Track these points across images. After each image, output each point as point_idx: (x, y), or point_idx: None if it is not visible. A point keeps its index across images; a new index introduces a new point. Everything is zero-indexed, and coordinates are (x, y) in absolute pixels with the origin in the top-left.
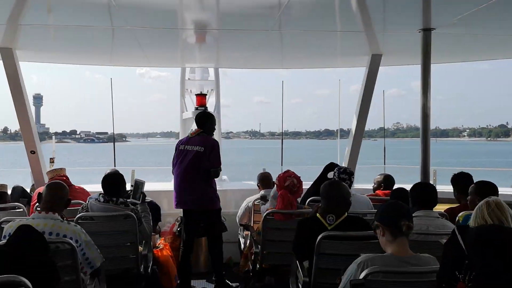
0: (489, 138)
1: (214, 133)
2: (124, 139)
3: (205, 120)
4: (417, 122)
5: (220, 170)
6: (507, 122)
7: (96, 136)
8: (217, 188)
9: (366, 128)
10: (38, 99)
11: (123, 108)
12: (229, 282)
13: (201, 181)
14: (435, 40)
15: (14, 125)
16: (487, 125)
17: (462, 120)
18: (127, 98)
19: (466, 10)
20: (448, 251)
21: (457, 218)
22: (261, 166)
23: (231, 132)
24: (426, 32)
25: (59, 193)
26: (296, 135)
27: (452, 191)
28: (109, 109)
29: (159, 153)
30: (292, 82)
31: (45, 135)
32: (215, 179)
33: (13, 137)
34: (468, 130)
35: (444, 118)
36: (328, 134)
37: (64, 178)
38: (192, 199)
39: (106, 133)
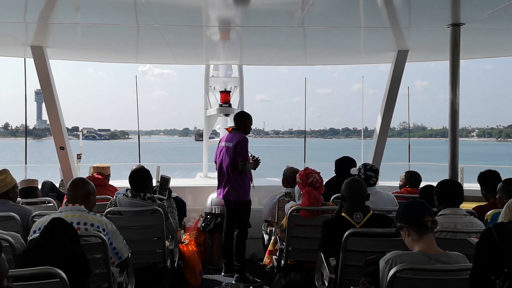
0: (499, 139)
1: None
2: (127, 136)
3: (241, 118)
4: (424, 121)
5: (247, 164)
6: None
7: (98, 133)
8: None
9: (371, 127)
10: (39, 94)
11: (126, 105)
12: (250, 277)
13: (232, 174)
14: (464, 36)
15: (15, 122)
16: (497, 125)
17: (466, 120)
18: (128, 95)
19: (497, 4)
20: (482, 252)
21: (485, 217)
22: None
23: (215, 130)
24: (455, 27)
25: (78, 188)
26: (301, 134)
27: (479, 189)
28: (111, 106)
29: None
30: (293, 81)
31: (46, 131)
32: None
33: (14, 133)
34: (477, 130)
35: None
36: (333, 133)
37: (100, 177)
38: (225, 190)
39: (109, 130)
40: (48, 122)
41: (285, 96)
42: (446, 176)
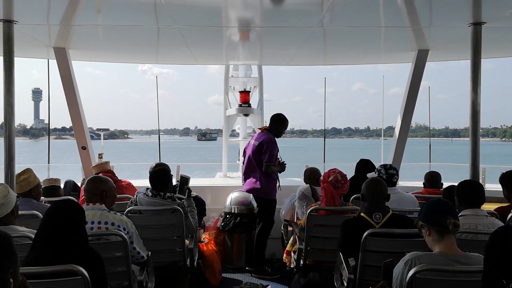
0: (504, 139)
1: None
2: (126, 135)
3: (277, 120)
4: (427, 121)
5: (270, 166)
6: None
7: (96, 132)
8: None
9: (373, 127)
10: (37, 93)
11: (126, 104)
12: (268, 269)
13: (255, 172)
14: (486, 34)
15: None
16: (500, 125)
17: (467, 120)
18: (128, 93)
19: None
20: (492, 254)
21: (508, 218)
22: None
23: (234, 130)
24: (477, 26)
25: (96, 185)
26: (303, 133)
27: (501, 190)
28: (110, 106)
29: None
30: (293, 80)
31: (43, 131)
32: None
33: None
34: (481, 130)
35: (451, 118)
36: (335, 132)
37: (110, 174)
38: (249, 188)
39: (108, 129)
40: (45, 122)
41: (285, 95)
42: (467, 176)
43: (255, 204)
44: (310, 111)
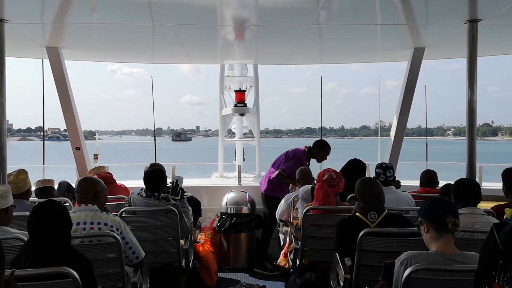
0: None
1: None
2: (94, 136)
3: (318, 144)
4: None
5: (284, 176)
6: (492, 121)
7: (63, 133)
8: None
9: (348, 127)
10: None
11: (95, 105)
12: (269, 266)
13: (271, 174)
14: (482, 32)
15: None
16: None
17: (439, 119)
18: (98, 94)
19: None
20: (485, 249)
21: (505, 215)
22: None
23: (210, 130)
24: (473, 23)
25: (86, 187)
26: (278, 133)
27: (498, 188)
28: (79, 106)
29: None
30: (266, 80)
31: (7, 132)
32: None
33: None
34: (453, 129)
35: (423, 117)
36: (310, 132)
37: (109, 175)
38: (261, 183)
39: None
40: (10, 122)
41: (260, 95)
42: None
43: (251, 205)
44: (284, 111)
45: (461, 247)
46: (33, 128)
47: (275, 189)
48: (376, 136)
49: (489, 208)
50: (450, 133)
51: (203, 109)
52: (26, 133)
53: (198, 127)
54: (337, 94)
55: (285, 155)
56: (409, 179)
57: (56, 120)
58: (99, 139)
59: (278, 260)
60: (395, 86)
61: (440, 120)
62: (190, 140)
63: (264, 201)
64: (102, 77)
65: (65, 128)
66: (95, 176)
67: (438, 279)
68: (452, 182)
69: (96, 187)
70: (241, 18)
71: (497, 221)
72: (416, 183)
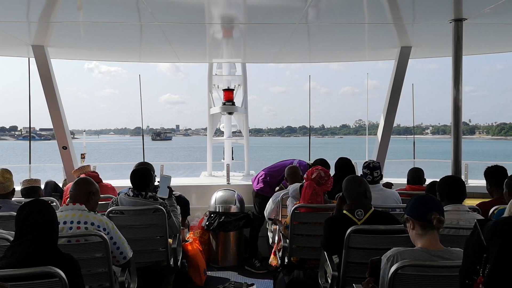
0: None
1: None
2: (72, 136)
3: (319, 162)
4: (378, 119)
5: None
6: (470, 120)
7: (38, 133)
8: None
9: (328, 126)
10: None
11: (72, 103)
12: (257, 264)
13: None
14: (467, 31)
15: None
16: (450, 123)
17: (417, 118)
18: (76, 92)
19: None
20: (469, 245)
21: (490, 212)
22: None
23: (190, 129)
24: (458, 22)
25: (82, 187)
26: (258, 132)
27: (483, 185)
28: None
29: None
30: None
31: None
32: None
33: None
34: (431, 128)
35: (400, 116)
36: (291, 131)
37: (95, 174)
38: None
39: (51, 129)
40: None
41: (240, 94)
42: (450, 173)
43: (239, 203)
44: (264, 110)
45: (446, 244)
46: (7, 127)
47: (269, 192)
48: (356, 135)
49: (475, 205)
50: (429, 132)
51: (183, 108)
52: (0, 133)
53: (178, 126)
54: (317, 93)
55: (290, 162)
56: (396, 177)
57: (33, 119)
58: (76, 138)
59: (270, 260)
60: (374, 85)
61: (417, 119)
62: (170, 139)
63: (255, 199)
64: (79, 75)
65: (40, 127)
66: (82, 176)
67: (424, 275)
68: (438, 180)
69: (90, 188)
70: (229, 17)
71: (482, 217)
72: (403, 181)
